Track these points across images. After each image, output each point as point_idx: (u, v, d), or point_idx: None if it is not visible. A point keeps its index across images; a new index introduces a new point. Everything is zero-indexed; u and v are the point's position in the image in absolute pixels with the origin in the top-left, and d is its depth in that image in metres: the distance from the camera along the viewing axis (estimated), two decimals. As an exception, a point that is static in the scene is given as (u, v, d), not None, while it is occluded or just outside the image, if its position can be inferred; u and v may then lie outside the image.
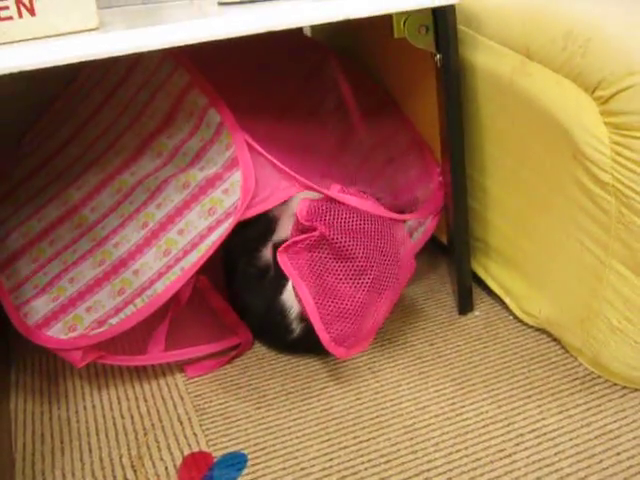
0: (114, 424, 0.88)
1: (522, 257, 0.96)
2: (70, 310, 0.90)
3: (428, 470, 0.76)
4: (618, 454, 0.75)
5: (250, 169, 0.84)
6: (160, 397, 0.92)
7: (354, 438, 0.82)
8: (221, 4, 0.91)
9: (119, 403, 0.92)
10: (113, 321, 0.87)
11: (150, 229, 0.89)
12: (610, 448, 0.76)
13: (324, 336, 0.85)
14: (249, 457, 0.80)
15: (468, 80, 0.96)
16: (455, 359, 0.94)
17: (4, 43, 0.69)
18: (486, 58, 0.91)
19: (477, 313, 1.04)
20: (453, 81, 0.91)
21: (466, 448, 0.79)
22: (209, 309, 1.02)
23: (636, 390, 0.85)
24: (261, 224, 0.96)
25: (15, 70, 0.67)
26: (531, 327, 0.99)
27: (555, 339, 0.95)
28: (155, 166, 0.93)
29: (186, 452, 0.82)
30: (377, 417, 0.85)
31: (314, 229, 0.84)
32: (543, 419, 0.82)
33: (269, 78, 1.11)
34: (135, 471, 0.80)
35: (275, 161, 0.84)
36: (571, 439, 0.78)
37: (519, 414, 0.83)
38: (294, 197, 0.88)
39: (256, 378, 0.95)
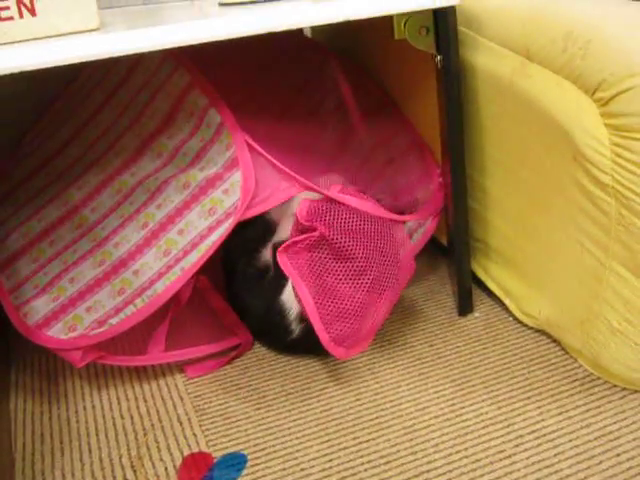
0: (114, 424, 0.88)
1: (522, 258, 0.97)
2: (70, 310, 0.90)
3: (428, 471, 0.76)
4: (618, 455, 0.76)
5: (250, 169, 0.84)
6: (160, 397, 0.92)
7: (354, 439, 0.82)
8: (222, 5, 0.91)
9: (119, 403, 0.92)
10: (113, 321, 0.87)
11: (150, 229, 0.89)
12: (610, 449, 0.76)
13: (324, 336, 0.85)
14: (249, 458, 0.80)
15: (468, 81, 0.96)
16: (455, 360, 0.94)
17: (5, 43, 0.69)
18: (486, 59, 0.91)
19: (477, 314, 1.04)
20: (453, 82, 0.91)
21: (466, 449, 0.79)
22: (209, 309, 1.02)
23: (636, 392, 0.85)
24: (261, 224, 0.96)
25: (16, 70, 0.67)
26: (531, 328, 0.99)
27: (555, 340, 0.95)
28: (155, 166, 0.93)
29: (186, 452, 0.82)
30: (377, 418, 0.85)
31: (314, 229, 0.84)
32: (543, 420, 0.82)
33: (269, 79, 1.11)
34: (135, 471, 0.80)
35: (275, 161, 0.84)
36: (571, 440, 0.78)
37: (519, 415, 0.83)
38: (295, 197, 0.88)
39: (256, 379, 0.95)
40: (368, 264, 0.85)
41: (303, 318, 0.91)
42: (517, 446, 0.78)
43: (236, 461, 0.80)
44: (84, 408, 0.92)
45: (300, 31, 1.31)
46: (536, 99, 0.82)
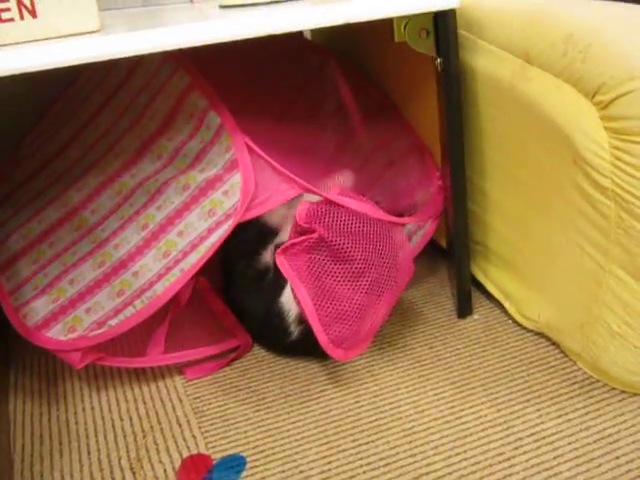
0: (113, 426, 0.88)
1: (522, 261, 0.97)
2: (70, 311, 0.90)
3: (427, 474, 0.76)
4: (617, 458, 0.75)
5: (250, 171, 0.84)
6: (159, 399, 0.92)
7: (353, 441, 0.82)
8: (222, 7, 0.91)
9: (118, 405, 0.92)
10: (112, 322, 0.87)
11: (150, 231, 0.89)
12: (609, 452, 0.76)
13: (322, 337, 0.85)
14: (248, 459, 0.80)
15: (468, 84, 0.96)
16: (454, 363, 0.94)
17: (5, 45, 0.69)
18: (486, 62, 0.91)
19: (476, 317, 1.04)
20: (453, 85, 0.91)
21: (465, 452, 0.79)
22: (208, 311, 1.02)
23: (635, 395, 0.85)
24: (261, 226, 0.96)
25: (16, 72, 0.67)
26: (530, 331, 0.99)
27: (554, 343, 0.95)
28: (155, 168, 0.93)
29: (185, 454, 0.82)
30: (376, 420, 0.85)
31: (313, 231, 0.84)
32: (542, 423, 0.82)
33: (269, 81, 1.11)
34: (134, 473, 0.80)
35: (275, 163, 0.84)
36: (570, 443, 0.78)
37: (518, 418, 0.83)
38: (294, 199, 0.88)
39: (255, 381, 0.95)
40: (367, 266, 0.85)
41: (302, 320, 0.91)
42: (516, 449, 0.78)
43: (235, 463, 0.80)
44: (83, 409, 0.92)
45: (300, 33, 1.31)
46: (536, 102, 0.82)
